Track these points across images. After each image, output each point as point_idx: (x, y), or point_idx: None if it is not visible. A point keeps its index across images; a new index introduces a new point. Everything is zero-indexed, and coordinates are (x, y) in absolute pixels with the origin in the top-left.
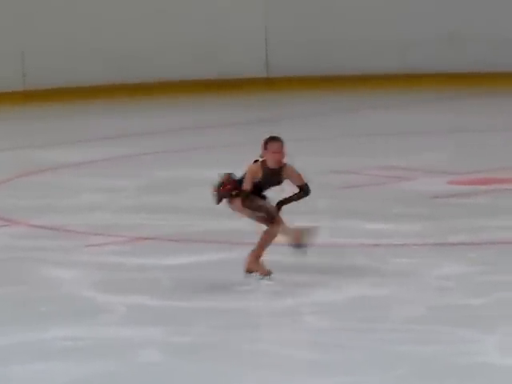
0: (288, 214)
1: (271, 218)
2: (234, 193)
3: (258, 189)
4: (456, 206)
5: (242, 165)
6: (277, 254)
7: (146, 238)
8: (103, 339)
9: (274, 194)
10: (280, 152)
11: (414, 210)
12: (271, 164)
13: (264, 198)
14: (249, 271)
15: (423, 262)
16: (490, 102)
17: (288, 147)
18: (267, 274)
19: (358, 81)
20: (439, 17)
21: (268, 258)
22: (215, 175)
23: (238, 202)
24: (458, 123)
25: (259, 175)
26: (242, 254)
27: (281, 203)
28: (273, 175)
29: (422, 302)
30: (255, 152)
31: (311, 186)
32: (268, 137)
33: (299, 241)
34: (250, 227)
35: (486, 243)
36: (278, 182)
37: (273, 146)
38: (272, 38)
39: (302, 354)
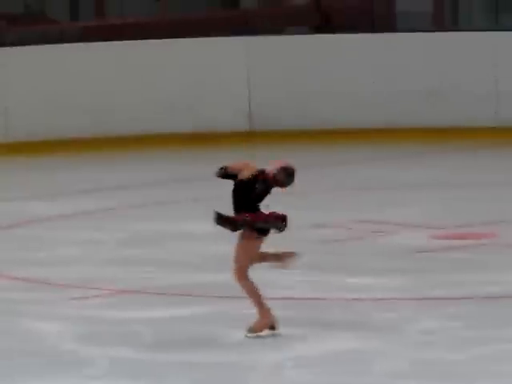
0: (267, 268)
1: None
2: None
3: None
4: (436, 261)
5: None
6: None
7: (127, 291)
8: None
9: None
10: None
11: (394, 264)
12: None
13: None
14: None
15: (404, 316)
16: (471, 157)
17: (268, 200)
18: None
19: (340, 135)
20: (420, 72)
21: (247, 311)
22: (193, 228)
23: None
24: (439, 178)
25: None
26: (224, 307)
27: None
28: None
29: (404, 357)
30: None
31: (292, 241)
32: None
33: (283, 265)
34: (228, 281)
35: (467, 298)
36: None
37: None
38: (255, 92)
39: None
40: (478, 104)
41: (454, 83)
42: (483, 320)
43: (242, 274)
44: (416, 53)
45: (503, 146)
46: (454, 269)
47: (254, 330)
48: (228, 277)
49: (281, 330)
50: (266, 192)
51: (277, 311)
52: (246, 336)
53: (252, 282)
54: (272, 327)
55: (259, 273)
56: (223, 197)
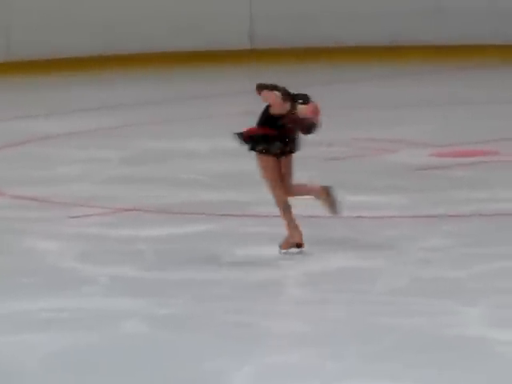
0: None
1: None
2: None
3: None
4: (437, 179)
5: (227, 136)
6: (259, 225)
7: (128, 210)
8: (86, 310)
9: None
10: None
11: (395, 182)
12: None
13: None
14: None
15: (406, 234)
16: (475, 75)
17: None
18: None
19: (342, 53)
20: None
21: (250, 229)
22: (195, 146)
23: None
24: (442, 96)
25: None
26: (225, 225)
27: None
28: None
29: (406, 274)
30: (240, 122)
31: (295, 158)
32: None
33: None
34: (234, 198)
35: (469, 215)
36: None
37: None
38: (256, 10)
39: (286, 325)
40: (480, 22)
41: (455, 1)
42: (484, 238)
43: (271, 186)
44: None
45: (505, 65)
46: (455, 186)
47: (281, 246)
48: (233, 195)
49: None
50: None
51: (278, 229)
52: (280, 253)
53: (285, 199)
54: (298, 245)
55: (260, 190)
56: (228, 115)
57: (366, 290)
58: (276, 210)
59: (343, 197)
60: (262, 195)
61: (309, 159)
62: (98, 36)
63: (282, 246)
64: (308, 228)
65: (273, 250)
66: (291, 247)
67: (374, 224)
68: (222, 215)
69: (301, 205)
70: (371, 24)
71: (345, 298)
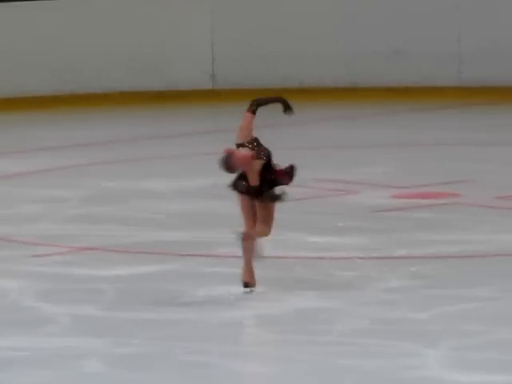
0: (231, 228)
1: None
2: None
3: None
4: (398, 220)
5: (187, 176)
6: (219, 265)
7: (89, 249)
8: (47, 349)
9: None
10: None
11: (357, 224)
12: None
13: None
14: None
15: (366, 276)
16: (436, 117)
17: None
18: (252, 285)
19: (302, 93)
20: (384, 32)
21: (210, 269)
22: (156, 186)
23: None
24: (401, 137)
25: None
26: (185, 265)
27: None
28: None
29: (366, 316)
30: (200, 163)
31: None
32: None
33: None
34: (194, 238)
35: (429, 257)
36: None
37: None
38: (218, 51)
39: (245, 366)
40: (442, 64)
41: (417, 43)
42: (445, 279)
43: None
44: (380, 12)
45: (466, 106)
46: (416, 228)
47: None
48: (191, 234)
49: (242, 287)
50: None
51: (239, 269)
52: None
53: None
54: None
55: (224, 232)
56: (184, 155)
57: (326, 330)
58: (238, 251)
59: (303, 237)
60: (222, 235)
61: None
62: (57, 75)
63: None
64: (268, 268)
65: (232, 290)
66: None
67: (334, 265)
68: (182, 255)
69: (263, 245)
70: (332, 65)
71: (304, 338)
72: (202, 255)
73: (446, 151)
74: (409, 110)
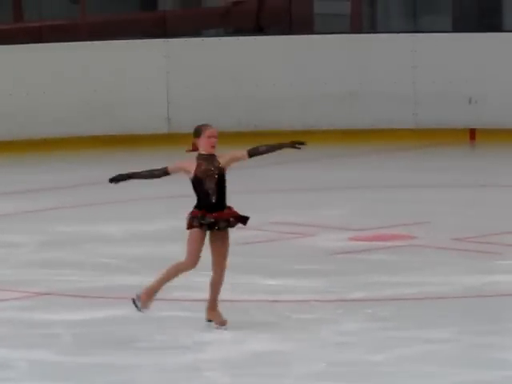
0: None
1: None
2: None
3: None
4: (355, 262)
5: (144, 220)
6: (175, 309)
7: (44, 294)
8: None
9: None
10: (216, 136)
11: (314, 266)
12: (207, 150)
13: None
14: (208, 320)
15: (323, 318)
16: (391, 159)
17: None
18: (222, 323)
19: (257, 137)
20: (337, 75)
21: (166, 313)
22: (112, 230)
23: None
24: (357, 179)
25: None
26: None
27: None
28: (208, 163)
29: (322, 358)
30: (157, 207)
31: None
32: (198, 125)
33: None
34: (147, 282)
35: (386, 299)
36: (214, 170)
37: (208, 131)
38: (173, 95)
39: None
40: (397, 106)
41: (371, 85)
42: (403, 321)
43: None
44: (335, 55)
45: (422, 148)
46: (373, 270)
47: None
48: (146, 278)
49: (197, 331)
50: None
51: (197, 313)
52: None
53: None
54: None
55: (181, 276)
56: (140, 199)
57: (283, 373)
58: (193, 295)
59: (259, 280)
60: (179, 279)
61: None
62: (13, 120)
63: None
64: (225, 312)
65: (190, 334)
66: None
67: (290, 308)
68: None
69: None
70: (287, 108)
71: (261, 382)
72: (158, 299)
73: (402, 193)
74: (364, 152)
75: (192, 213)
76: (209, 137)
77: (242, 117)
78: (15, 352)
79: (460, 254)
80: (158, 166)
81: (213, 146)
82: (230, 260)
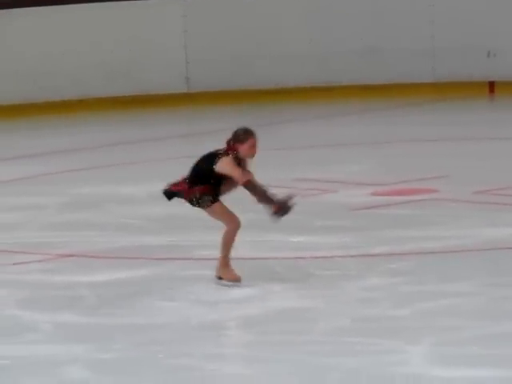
0: (209, 228)
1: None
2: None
3: (218, 183)
4: (377, 218)
5: (163, 180)
6: (198, 268)
7: (68, 256)
8: (29, 357)
9: None
10: (256, 146)
11: (335, 222)
12: (247, 156)
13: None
14: (219, 277)
15: (347, 274)
16: (412, 113)
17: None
18: (236, 279)
19: (278, 94)
20: (358, 30)
21: (189, 272)
22: (132, 191)
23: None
24: (377, 135)
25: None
26: (166, 268)
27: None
28: (239, 165)
29: (347, 314)
30: (177, 167)
31: (233, 200)
32: (242, 129)
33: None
34: (173, 242)
35: (408, 254)
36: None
37: (252, 140)
38: (192, 54)
39: (228, 368)
40: (415, 60)
41: (390, 40)
42: (425, 275)
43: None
44: (353, 11)
45: (440, 102)
46: (394, 225)
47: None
48: (169, 238)
49: (222, 289)
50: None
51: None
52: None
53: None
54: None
55: (201, 235)
56: (160, 160)
57: (308, 330)
58: (215, 253)
59: (282, 237)
60: (197, 238)
61: (247, 201)
62: (31, 82)
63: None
64: (248, 269)
65: (213, 292)
66: (230, 279)
67: (314, 264)
68: (161, 259)
69: (241, 247)
70: (307, 65)
71: (286, 338)
72: (180, 259)
73: (422, 148)
74: (384, 107)
75: (203, 191)
76: (252, 146)
77: (262, 74)
78: (40, 314)
79: (482, 207)
80: (177, 125)
81: (253, 155)
82: (252, 218)
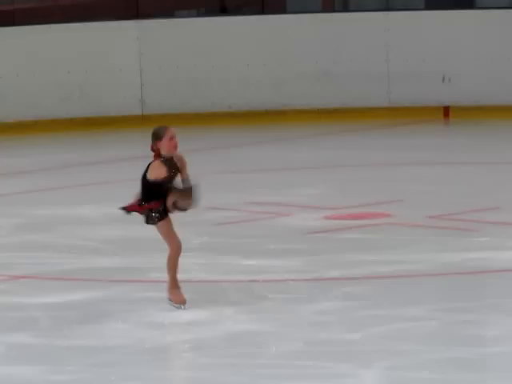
0: (164, 251)
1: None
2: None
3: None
4: (331, 241)
5: (117, 201)
6: (151, 290)
7: (22, 277)
8: None
9: None
10: (175, 137)
11: (289, 246)
12: (170, 151)
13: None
14: (169, 300)
15: (299, 298)
16: (365, 137)
17: None
18: (181, 302)
19: (230, 117)
20: (312, 54)
21: (142, 295)
22: (87, 212)
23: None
24: (332, 159)
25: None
26: (118, 290)
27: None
28: (170, 166)
29: (299, 338)
30: (133, 189)
31: (187, 224)
32: (157, 127)
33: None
34: (126, 264)
35: (362, 278)
36: (175, 172)
37: (169, 132)
38: (147, 76)
39: None
40: (371, 84)
41: (345, 64)
42: (378, 300)
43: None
44: (307, 34)
45: (395, 126)
46: (348, 249)
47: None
48: (123, 260)
49: (175, 312)
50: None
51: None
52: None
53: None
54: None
55: (156, 257)
56: (115, 181)
57: (260, 353)
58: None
59: (236, 260)
60: (153, 260)
61: (200, 224)
62: None
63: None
64: (201, 292)
65: (166, 315)
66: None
67: (267, 287)
68: (116, 281)
69: (195, 270)
70: (261, 88)
71: (239, 362)
72: (135, 281)
73: (376, 172)
74: (339, 131)
75: (152, 207)
76: (171, 138)
77: (215, 98)
78: None
79: (435, 231)
80: (133, 147)
81: (175, 147)
82: (206, 240)
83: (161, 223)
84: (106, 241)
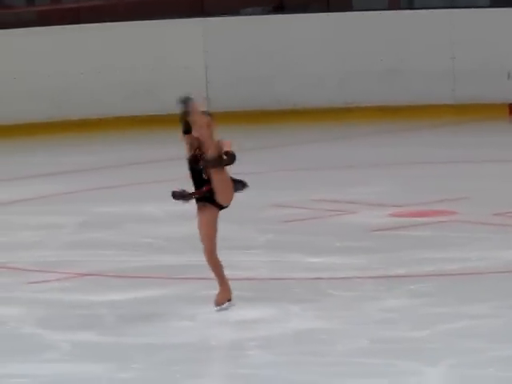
0: (229, 249)
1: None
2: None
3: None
4: (396, 239)
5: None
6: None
7: (87, 274)
8: (48, 376)
9: None
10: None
11: (355, 243)
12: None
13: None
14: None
15: (365, 295)
16: (432, 135)
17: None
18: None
19: (298, 115)
20: (377, 52)
21: (209, 292)
22: (151, 210)
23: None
24: (395, 156)
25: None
26: (184, 288)
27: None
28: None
29: (365, 335)
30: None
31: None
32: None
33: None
34: (192, 262)
35: (427, 275)
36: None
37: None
38: (212, 74)
39: None
40: (436, 82)
41: (410, 62)
42: (444, 297)
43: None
44: (373, 32)
45: (460, 123)
46: (414, 246)
47: (217, 303)
48: (188, 258)
49: (241, 310)
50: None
51: (239, 292)
52: (215, 310)
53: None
54: (229, 299)
55: (221, 254)
56: (180, 179)
57: (326, 351)
58: (236, 273)
59: (301, 258)
60: (223, 258)
61: (265, 221)
62: (52, 102)
63: (216, 303)
64: (267, 290)
65: (231, 313)
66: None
67: (332, 285)
68: (182, 278)
69: (261, 268)
70: (326, 85)
71: (305, 359)
72: (200, 278)
73: (441, 169)
74: (404, 128)
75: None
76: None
77: (281, 95)
78: (58, 333)
79: (501, 229)
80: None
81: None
82: (272, 238)
83: (212, 210)
84: (170, 238)
